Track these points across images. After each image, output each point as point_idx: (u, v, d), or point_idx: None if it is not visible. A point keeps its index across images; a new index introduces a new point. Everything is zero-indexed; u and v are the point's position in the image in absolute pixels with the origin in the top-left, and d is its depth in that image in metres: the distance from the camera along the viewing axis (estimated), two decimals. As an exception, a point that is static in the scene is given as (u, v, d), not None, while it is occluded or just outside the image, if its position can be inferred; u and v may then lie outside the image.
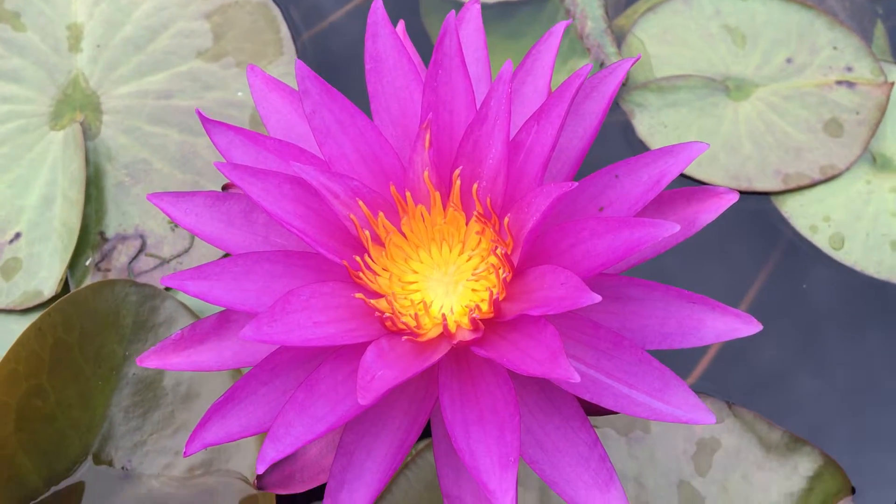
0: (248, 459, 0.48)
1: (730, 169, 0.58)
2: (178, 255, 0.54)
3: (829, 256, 0.56)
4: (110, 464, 0.47)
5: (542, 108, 0.35)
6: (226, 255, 0.54)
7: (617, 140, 0.60)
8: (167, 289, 0.53)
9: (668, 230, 0.32)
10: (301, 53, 0.62)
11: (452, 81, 0.36)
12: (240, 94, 0.58)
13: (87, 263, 0.53)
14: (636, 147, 0.60)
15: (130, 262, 0.53)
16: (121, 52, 0.59)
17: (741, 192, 0.58)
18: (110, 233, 0.54)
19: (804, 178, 0.58)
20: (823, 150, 0.59)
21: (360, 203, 0.36)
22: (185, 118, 0.58)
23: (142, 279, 0.53)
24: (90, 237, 0.54)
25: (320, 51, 0.63)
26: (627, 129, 0.60)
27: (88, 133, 0.57)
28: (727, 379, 0.53)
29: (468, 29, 0.40)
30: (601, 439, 0.49)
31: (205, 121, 0.37)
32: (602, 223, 0.33)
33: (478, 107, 0.37)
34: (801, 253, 0.56)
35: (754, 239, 0.57)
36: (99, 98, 0.58)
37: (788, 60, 0.62)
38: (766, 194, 0.58)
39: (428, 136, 0.36)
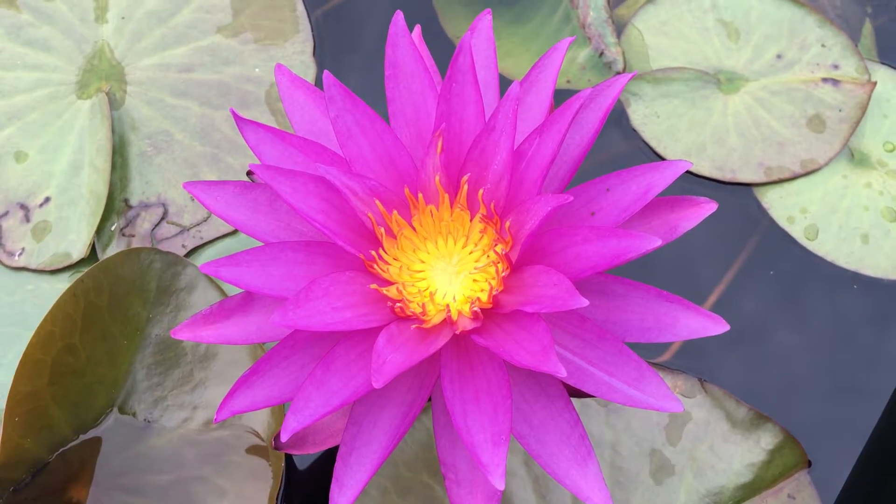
0: (260, 416, 0.52)
1: (716, 160, 0.62)
2: (198, 224, 0.57)
3: (804, 246, 0.60)
4: (134, 416, 0.52)
5: (545, 124, 0.39)
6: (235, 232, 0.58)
7: (611, 127, 0.63)
8: (188, 255, 0.57)
9: (651, 244, 0.36)
10: (315, 29, 0.64)
11: (464, 94, 0.40)
12: (257, 70, 0.61)
13: (113, 229, 0.57)
14: (629, 134, 0.63)
15: (153, 229, 0.57)
16: (144, 25, 0.62)
17: (725, 183, 0.62)
18: (134, 200, 0.58)
19: (785, 172, 0.62)
20: (805, 145, 0.62)
21: (377, 202, 0.40)
22: (204, 91, 0.61)
23: (163, 245, 0.57)
24: (115, 204, 0.58)
25: (332, 27, 0.66)
26: (622, 117, 0.63)
27: (114, 103, 0.60)
28: (702, 355, 0.58)
29: (480, 38, 0.43)
30: (584, 408, 0.54)
31: (238, 119, 0.41)
32: (594, 231, 0.37)
33: (486, 118, 0.40)
34: (777, 242, 0.60)
35: (735, 227, 0.61)
36: (124, 69, 0.61)
37: (778, 56, 0.65)
38: (749, 185, 0.61)
39: (440, 143, 0.39)
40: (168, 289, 0.53)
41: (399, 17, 0.41)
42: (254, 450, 0.51)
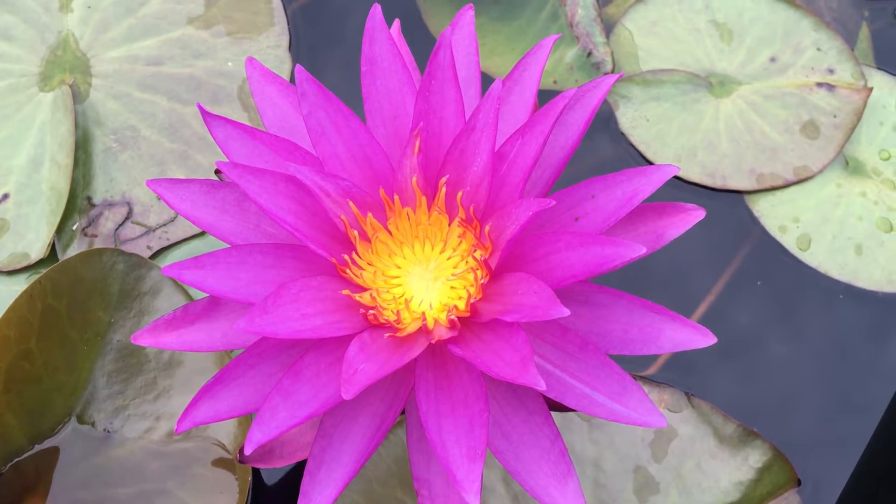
0: (226, 427, 0.52)
1: (707, 166, 0.62)
2: (164, 225, 0.57)
3: (796, 257, 0.60)
4: (93, 425, 0.51)
5: (528, 124, 0.38)
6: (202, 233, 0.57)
7: (598, 131, 0.63)
8: (153, 256, 0.57)
9: (636, 251, 0.35)
10: (291, 23, 0.64)
11: (444, 92, 0.39)
12: (230, 63, 0.61)
13: (74, 228, 0.56)
14: (616, 137, 0.63)
15: (117, 229, 0.56)
16: (111, 15, 0.61)
17: (715, 190, 0.62)
18: (97, 198, 0.57)
19: (778, 179, 0.62)
20: (798, 152, 0.63)
21: (351, 204, 0.39)
22: (174, 86, 0.60)
23: (127, 247, 0.56)
24: (77, 202, 0.57)
25: (310, 21, 0.65)
26: (610, 120, 0.63)
27: (77, 96, 0.59)
28: (689, 371, 0.58)
29: (461, 34, 0.43)
30: (565, 422, 0.54)
31: (205, 114, 0.40)
32: (577, 237, 0.37)
33: (467, 117, 0.40)
34: (768, 252, 0.61)
35: (725, 235, 0.61)
36: (89, 61, 0.60)
37: (772, 59, 0.65)
38: (740, 193, 0.62)
39: (418, 143, 0.39)
40: (131, 292, 0.52)
41: (377, 10, 0.41)
42: (219, 462, 0.51)
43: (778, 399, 0.57)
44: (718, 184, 0.61)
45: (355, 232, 0.40)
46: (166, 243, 0.57)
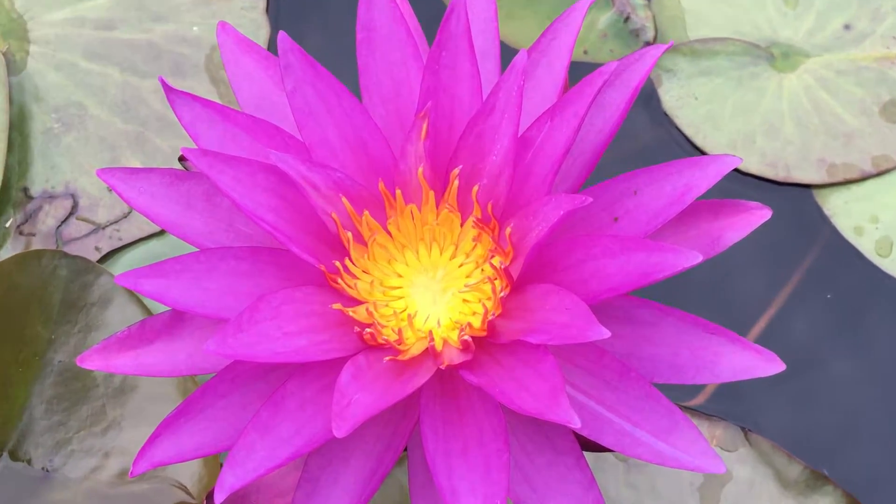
0: (189, 466, 0.51)
1: (767, 154, 0.62)
2: (116, 222, 0.57)
3: (874, 264, 0.60)
4: (29, 462, 0.51)
5: (559, 105, 0.38)
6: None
7: (637, 111, 0.63)
8: (103, 260, 0.57)
9: (689, 259, 0.35)
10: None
11: (457, 66, 0.39)
12: (195, 28, 0.61)
13: (8, 225, 0.56)
14: (659, 119, 0.63)
15: (59, 227, 0.56)
16: (54, -31, 0.61)
17: (777, 183, 0.61)
18: (36, 190, 0.57)
19: (853, 171, 0.61)
20: (878, 138, 0.62)
21: (343, 199, 0.39)
22: (128, 54, 0.60)
23: (71, 248, 0.56)
24: (11, 193, 0.57)
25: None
26: (651, 99, 0.63)
27: (12, 66, 0.59)
28: (744, 399, 0.57)
29: (478, -4, 0.43)
30: (598, 462, 0.53)
31: (168, 90, 0.40)
32: (617, 242, 0.36)
33: (484, 95, 0.39)
34: (841, 258, 0.60)
35: (788, 238, 0.61)
36: (26, 24, 0.60)
37: (846, 27, 0.65)
38: (807, 187, 0.61)
39: (425, 126, 0.38)
40: (76, 303, 0.52)
41: (375, -35, 0.40)
42: (180, 508, 0.51)
43: (850, 433, 0.57)
44: (781, 176, 0.61)
45: (349, 233, 0.39)
46: (118, 244, 0.57)
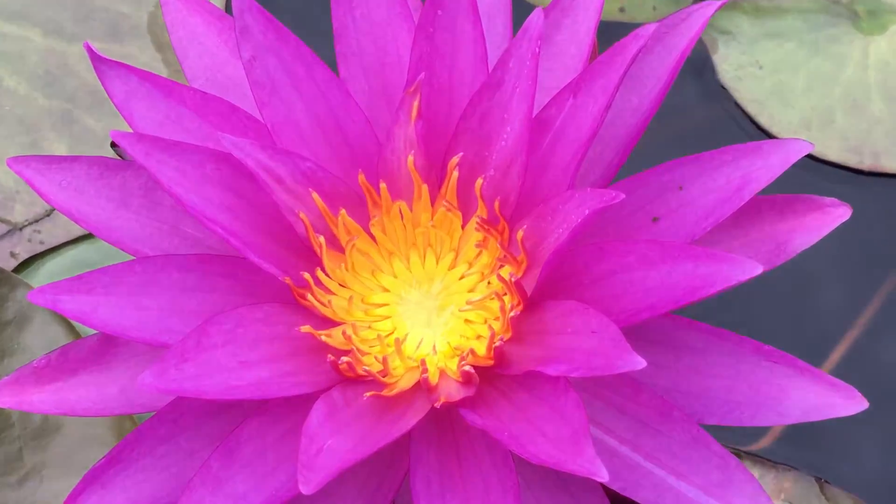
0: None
1: (849, 136, 0.62)
2: (37, 221, 0.57)
3: None
4: (-74, 521, 0.51)
5: (584, 76, 0.38)
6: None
7: (686, 83, 0.63)
8: (19, 269, 0.56)
9: (748, 271, 0.35)
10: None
11: (457, 27, 0.39)
12: (136, -18, 0.61)
13: None
14: (714, 94, 0.63)
15: (-35, 228, 0.56)
16: None
17: (862, 172, 0.61)
18: (-63, 182, 0.57)
19: (959, 158, 0.62)
20: None
21: (315, 194, 0.39)
22: (53, 14, 0.60)
23: (-19, 254, 0.56)
24: None
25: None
26: (705, 69, 0.63)
27: None
28: (820, 441, 0.57)
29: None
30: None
31: (96, 59, 0.40)
32: (657, 249, 0.36)
33: (490, 66, 0.39)
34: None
35: (875, 240, 0.61)
36: (-74, -24, 0.60)
37: (949, -23, 0.65)
38: (899, 177, 0.61)
39: (417, 104, 0.38)
40: (-14, 322, 0.52)
41: None
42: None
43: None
44: (866, 164, 0.61)
45: (321, 238, 0.39)
46: (40, 248, 0.57)
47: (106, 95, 0.59)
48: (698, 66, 0.63)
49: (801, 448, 0.57)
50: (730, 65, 0.63)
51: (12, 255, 0.57)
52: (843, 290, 0.60)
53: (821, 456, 0.57)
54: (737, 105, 0.62)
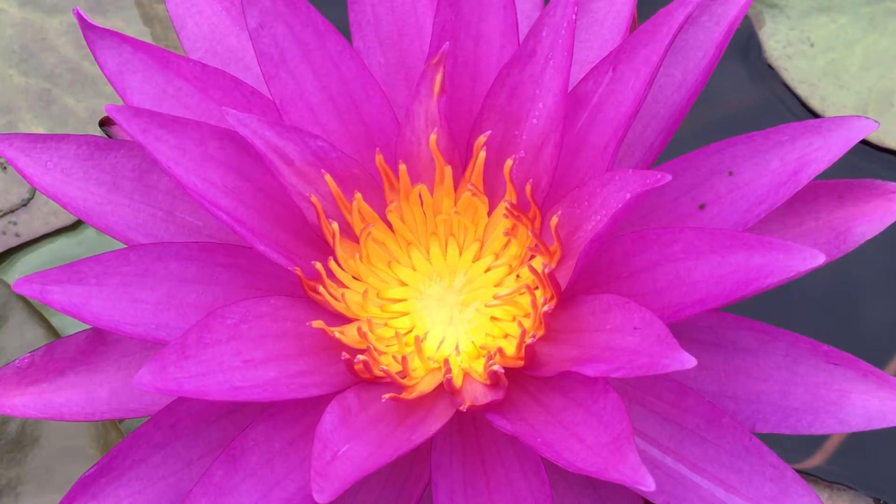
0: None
1: (910, 121, 0.62)
2: (12, 211, 0.57)
3: None
4: None
5: (624, 47, 0.38)
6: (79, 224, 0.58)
7: (732, 63, 0.63)
8: (-8, 265, 0.57)
9: (808, 261, 0.35)
10: None
11: (484, -7, 0.39)
12: (123, -53, 0.61)
13: None
14: (760, 74, 0.63)
15: (-66, 218, 0.57)
16: None
17: (927, 162, 0.62)
18: None
19: None
20: None
21: (327, 177, 0.39)
22: (29, -17, 0.61)
23: (-48, 247, 0.57)
24: None
25: None
26: (750, 46, 0.63)
27: None
28: (877, 459, 0.57)
29: None
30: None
31: (87, 27, 0.40)
32: (705, 237, 0.36)
33: (520, 37, 0.40)
34: None
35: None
36: None
37: None
38: (969, 167, 0.62)
39: (440, 77, 0.39)
40: (-43, 322, 0.52)
41: None
42: None
43: None
44: (929, 151, 0.61)
45: (334, 224, 0.39)
46: (15, 242, 0.57)
47: (90, 73, 0.59)
48: (743, 43, 0.63)
49: (858, 466, 0.57)
50: (778, 42, 0.63)
51: (-14, 248, 0.57)
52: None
53: (877, 475, 0.57)
54: (786, 86, 0.63)
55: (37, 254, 0.57)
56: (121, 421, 0.51)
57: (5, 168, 0.58)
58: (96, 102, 0.59)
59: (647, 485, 0.34)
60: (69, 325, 0.54)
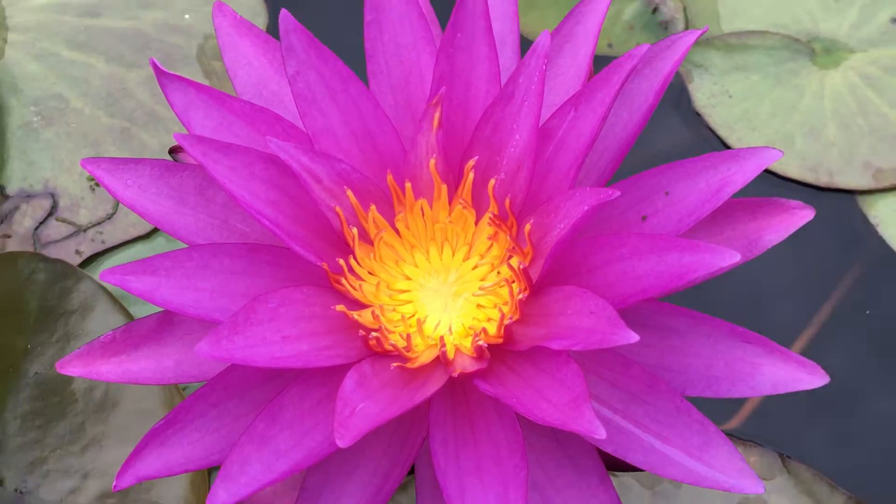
0: (175, 489, 0.51)
1: (807, 157, 0.62)
2: (99, 223, 0.57)
3: (926, 277, 0.60)
4: (1, 484, 0.51)
5: (583, 93, 0.38)
6: (155, 230, 0.58)
7: (666, 110, 0.63)
8: (84, 264, 0.57)
9: (727, 259, 0.35)
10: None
11: (473, 48, 0.39)
12: (187, 16, 0.61)
13: (-19, 226, 0.56)
14: (689, 120, 0.63)
15: (37, 228, 0.56)
16: (35, -49, 0.62)
17: (819, 189, 0.61)
18: (12, 188, 0.57)
19: (901, 176, 0.62)
20: (928, 142, 0.62)
21: (349, 192, 0.39)
22: (114, 44, 0.60)
23: (50, 251, 0.56)
24: (-14, 192, 0.57)
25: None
26: (681, 97, 0.63)
27: (-11, 55, 0.60)
28: (781, 423, 0.57)
29: (496, -25, 0.43)
30: (621, 490, 0.53)
31: (160, 74, 0.40)
32: (646, 240, 0.36)
33: (502, 82, 0.40)
34: (889, 270, 0.60)
35: (831, 248, 0.61)
36: (4, 10, 0.60)
37: (894, 20, 0.65)
38: (851, 192, 0.61)
39: (438, 115, 0.39)
40: (55, 310, 0.52)
41: (386, -60, 0.41)
42: (165, 536, 0.50)
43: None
44: (823, 181, 0.61)
45: (354, 230, 0.39)
46: (101, 247, 0.57)
47: (160, 114, 0.59)
48: (676, 94, 0.63)
49: (765, 429, 0.57)
50: (703, 94, 0.63)
51: (77, 252, 0.57)
52: (801, 292, 0.60)
53: (781, 436, 0.56)
54: (710, 129, 0.63)
55: (118, 257, 0.57)
56: (184, 388, 0.51)
57: (93, 189, 0.58)
58: (166, 138, 0.59)
59: (600, 434, 0.34)
60: (143, 314, 0.53)
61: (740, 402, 0.57)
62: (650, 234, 0.37)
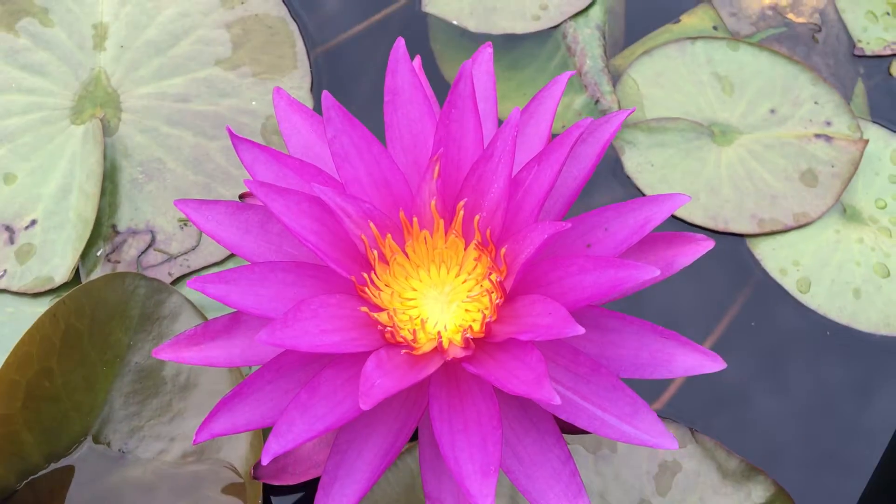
0: (238, 450, 0.51)
1: (709, 209, 0.62)
2: (185, 253, 0.57)
3: (796, 299, 0.60)
4: (108, 445, 0.50)
5: (544, 152, 0.38)
6: (229, 256, 0.57)
7: (606, 174, 0.63)
8: (174, 283, 0.56)
9: (650, 273, 0.35)
10: (314, 67, 0.65)
11: (464, 120, 0.40)
12: (253, 103, 0.61)
13: (98, 254, 0.56)
14: (623, 181, 0.63)
15: (139, 256, 0.56)
16: (143, 54, 0.62)
17: (718, 233, 0.62)
18: (122, 226, 0.57)
19: (778, 224, 0.62)
20: (798, 199, 0.63)
21: (371, 225, 0.39)
22: (200, 122, 0.60)
23: (149, 273, 0.56)
24: (103, 229, 0.57)
25: (331, 66, 0.66)
26: (616, 165, 0.64)
27: (107, 129, 0.60)
28: (691, 407, 0.57)
29: (480, 70, 0.43)
30: (572, 455, 0.53)
31: (234, 138, 0.41)
32: (590, 261, 0.37)
33: (485, 145, 0.40)
34: (769, 293, 0.60)
35: (727, 277, 0.61)
36: (119, 97, 0.61)
37: (772, 111, 0.66)
38: (741, 236, 0.61)
39: (437, 168, 0.39)
40: (151, 316, 0.52)
41: (400, 43, 0.41)
42: (230, 488, 0.50)
43: (779, 439, 0.56)
44: (721, 227, 0.61)
45: (375, 252, 0.40)
46: (186, 270, 0.57)
47: (233, 174, 0.60)
48: (612, 163, 0.64)
49: (680, 411, 0.56)
50: (632, 163, 0.64)
51: (169, 274, 0.57)
52: (704, 309, 0.60)
53: (692, 415, 0.56)
54: (637, 188, 0.63)
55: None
56: (245, 373, 0.51)
57: (182, 228, 0.58)
58: (237, 190, 0.59)
59: (555, 401, 0.34)
60: (207, 306, 0.53)
61: (661, 388, 0.57)
62: (594, 256, 0.37)
